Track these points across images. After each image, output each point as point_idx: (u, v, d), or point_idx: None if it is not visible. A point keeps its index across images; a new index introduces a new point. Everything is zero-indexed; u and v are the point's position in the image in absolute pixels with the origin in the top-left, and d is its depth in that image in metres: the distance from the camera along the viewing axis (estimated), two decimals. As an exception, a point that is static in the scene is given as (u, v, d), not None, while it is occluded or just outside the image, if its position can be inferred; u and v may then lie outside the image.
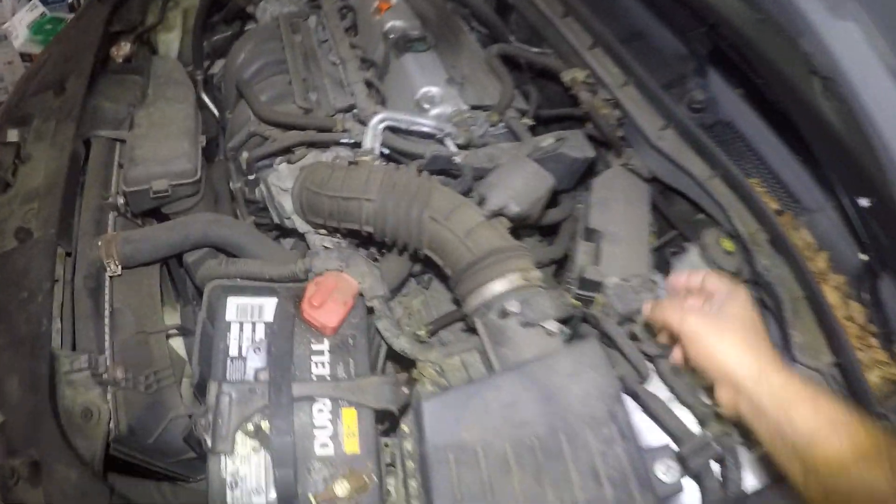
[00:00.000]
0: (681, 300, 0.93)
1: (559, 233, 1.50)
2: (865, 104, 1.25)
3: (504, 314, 1.04)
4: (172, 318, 1.37)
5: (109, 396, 1.11)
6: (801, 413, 0.70)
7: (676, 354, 0.95)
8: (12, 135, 1.37)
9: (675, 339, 0.91)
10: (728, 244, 1.27)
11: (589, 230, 1.32)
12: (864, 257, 1.29)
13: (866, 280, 1.26)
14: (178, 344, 1.33)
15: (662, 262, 1.41)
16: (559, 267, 1.56)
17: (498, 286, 1.05)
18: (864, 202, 1.28)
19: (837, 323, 1.15)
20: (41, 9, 3.09)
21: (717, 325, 0.82)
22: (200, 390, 1.10)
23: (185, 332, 1.30)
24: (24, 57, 2.99)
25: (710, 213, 1.38)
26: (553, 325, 1.03)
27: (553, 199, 1.46)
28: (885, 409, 1.04)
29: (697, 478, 1.03)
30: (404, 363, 1.15)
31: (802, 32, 1.36)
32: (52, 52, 1.59)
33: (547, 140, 1.32)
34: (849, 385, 1.12)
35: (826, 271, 1.28)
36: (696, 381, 1.02)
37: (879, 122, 1.24)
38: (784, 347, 1.20)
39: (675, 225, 1.51)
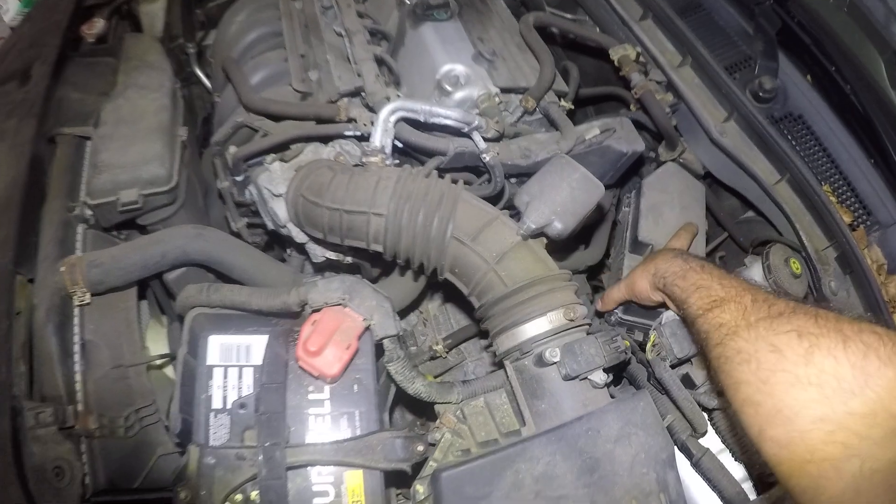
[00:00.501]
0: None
1: (596, 234, 1.27)
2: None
3: (542, 362, 0.83)
4: (159, 336, 1.20)
5: (84, 448, 0.95)
6: (678, 285, 0.86)
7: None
8: (-29, 135, 1.18)
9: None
10: (797, 265, 1.04)
11: (638, 242, 1.08)
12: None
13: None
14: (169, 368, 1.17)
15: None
16: (594, 271, 1.34)
17: (535, 327, 0.84)
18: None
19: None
20: (33, -20, 2.84)
21: (630, 275, 1.02)
22: (183, 440, 0.93)
23: (172, 359, 1.12)
24: (17, 31, 2.77)
25: (772, 221, 1.14)
26: (600, 377, 0.82)
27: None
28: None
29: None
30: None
31: (897, 18, 1.10)
32: (21, 33, 1.37)
33: (592, 131, 1.08)
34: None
35: (896, 298, 1.06)
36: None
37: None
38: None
39: (723, 224, 1.27)
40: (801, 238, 1.09)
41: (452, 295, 1.32)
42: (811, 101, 1.23)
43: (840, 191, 1.18)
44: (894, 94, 1.11)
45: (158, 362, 1.10)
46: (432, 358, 1.21)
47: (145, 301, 1.19)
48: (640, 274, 0.97)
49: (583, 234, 1.23)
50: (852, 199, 1.18)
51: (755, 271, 1.08)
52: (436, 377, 1.24)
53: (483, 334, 1.19)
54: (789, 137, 1.17)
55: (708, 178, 1.27)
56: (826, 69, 1.20)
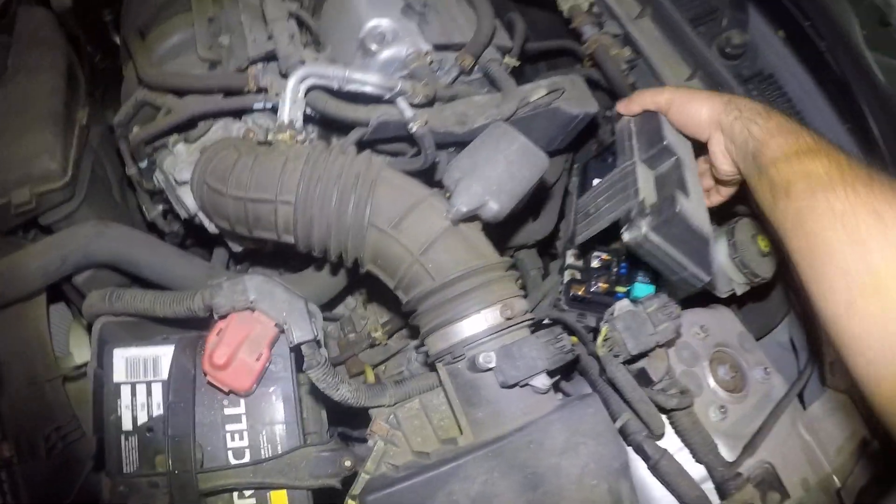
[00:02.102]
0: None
1: (546, 204, 1.14)
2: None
3: (476, 368, 0.71)
4: (83, 339, 1.08)
5: (4, 476, 0.87)
6: (757, 123, 0.75)
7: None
8: None
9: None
10: (764, 242, 0.91)
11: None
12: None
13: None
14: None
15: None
16: (545, 245, 1.21)
17: (468, 327, 0.73)
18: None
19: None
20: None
21: (688, 90, 0.89)
22: (100, 463, 0.83)
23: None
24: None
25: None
26: (542, 381, 0.71)
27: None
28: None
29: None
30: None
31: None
32: None
33: (538, 92, 0.92)
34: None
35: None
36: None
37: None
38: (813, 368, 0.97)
39: None
40: None
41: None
42: (783, 59, 1.07)
43: None
44: (870, 55, 0.95)
45: (71, 375, 0.99)
46: (372, 345, 1.10)
47: (62, 303, 1.08)
48: (706, 97, 0.82)
49: (532, 205, 1.09)
50: None
51: (720, 246, 0.95)
52: (375, 366, 1.13)
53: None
54: (760, 99, 1.03)
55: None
56: (799, 24, 1.04)
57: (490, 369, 0.70)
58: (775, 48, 1.05)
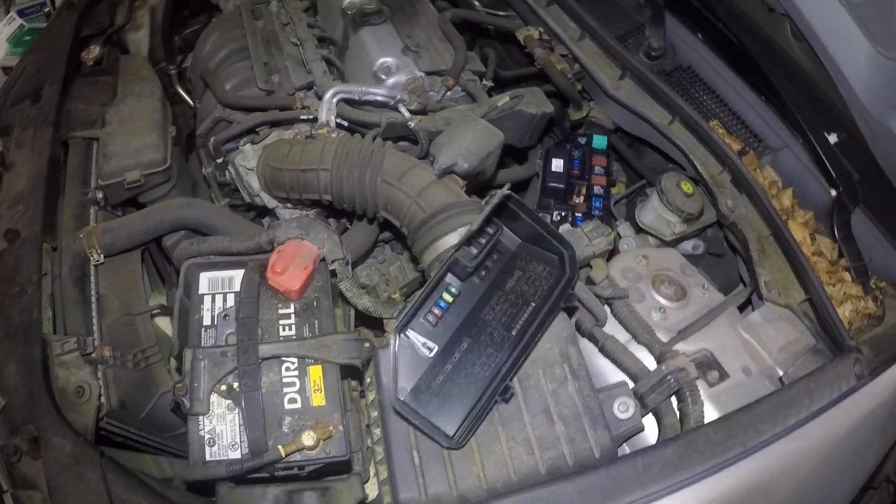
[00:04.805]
0: None
1: (527, 188, 1.65)
2: (822, 39, 1.38)
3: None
4: (159, 301, 1.57)
5: (100, 374, 1.27)
6: None
7: None
8: (-6, 146, 1.58)
9: None
10: (687, 186, 1.39)
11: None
12: (833, 192, 1.40)
13: (836, 215, 1.37)
14: (165, 325, 1.52)
15: (631, 211, 1.55)
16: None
17: (450, 240, 1.20)
18: (832, 138, 1.40)
19: (805, 259, 1.26)
20: (19, 21, 3.35)
21: None
22: (179, 360, 1.28)
23: (168, 311, 1.49)
24: (6, 70, 3.26)
25: (674, 159, 1.50)
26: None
27: (522, 157, 1.62)
28: (858, 343, 1.15)
29: (657, 414, 1.17)
30: (376, 323, 1.31)
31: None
32: (27, 62, 1.79)
33: (503, 99, 1.46)
34: (820, 320, 1.23)
35: (792, 208, 1.39)
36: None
37: (837, 56, 1.36)
38: (753, 287, 1.31)
39: (643, 175, 1.64)
40: (697, 167, 1.40)
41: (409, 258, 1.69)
42: (700, 53, 1.60)
43: (730, 124, 1.53)
44: (788, 42, 1.45)
45: (157, 311, 1.46)
46: (391, 306, 1.56)
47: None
48: None
49: (516, 189, 1.58)
50: (742, 130, 1.52)
51: (653, 198, 1.43)
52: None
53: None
54: (680, 85, 1.52)
55: (621, 133, 1.64)
56: (714, 25, 1.55)
57: (464, 265, 1.17)
58: (693, 47, 1.58)
